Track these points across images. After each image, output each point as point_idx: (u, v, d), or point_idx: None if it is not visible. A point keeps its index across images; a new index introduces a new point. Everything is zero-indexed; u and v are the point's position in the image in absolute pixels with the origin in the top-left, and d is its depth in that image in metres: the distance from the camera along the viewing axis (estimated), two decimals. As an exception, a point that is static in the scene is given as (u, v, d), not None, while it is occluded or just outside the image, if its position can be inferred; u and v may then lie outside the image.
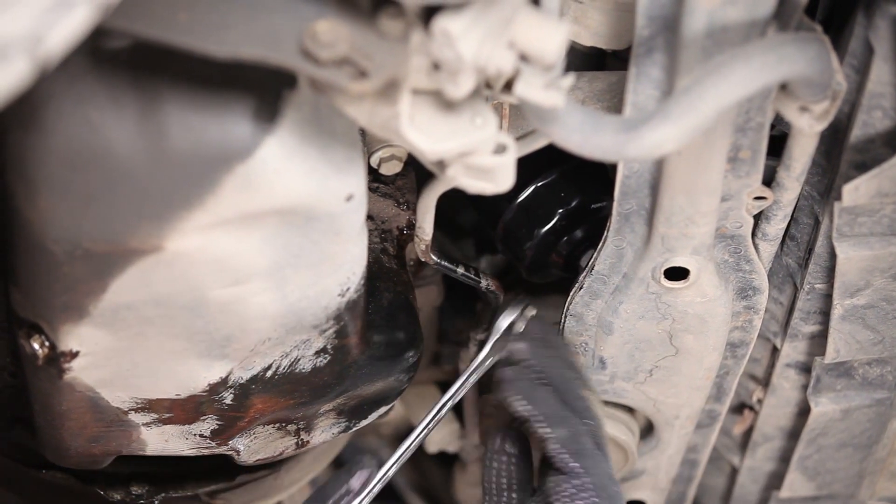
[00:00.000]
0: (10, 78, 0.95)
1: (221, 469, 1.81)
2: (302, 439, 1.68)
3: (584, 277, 1.62)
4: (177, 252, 1.35)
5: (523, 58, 1.22)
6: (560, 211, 1.73)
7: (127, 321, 1.43)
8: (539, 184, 1.72)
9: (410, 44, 1.20)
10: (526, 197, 1.73)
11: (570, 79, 1.24)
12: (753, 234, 1.60)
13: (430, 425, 1.67)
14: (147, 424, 1.59)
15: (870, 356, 1.76)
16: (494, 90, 1.28)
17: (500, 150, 1.28)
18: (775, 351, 1.84)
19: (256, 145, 1.29)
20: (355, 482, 1.56)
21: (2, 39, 0.94)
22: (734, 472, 2.07)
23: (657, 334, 1.67)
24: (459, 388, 1.70)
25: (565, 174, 1.72)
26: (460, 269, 1.74)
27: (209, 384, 1.54)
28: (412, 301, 1.70)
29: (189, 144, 1.28)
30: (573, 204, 1.73)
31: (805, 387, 1.84)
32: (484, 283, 1.77)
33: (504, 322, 1.72)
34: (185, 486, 1.81)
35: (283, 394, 1.59)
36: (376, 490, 1.59)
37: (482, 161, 1.27)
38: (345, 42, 1.18)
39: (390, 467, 1.62)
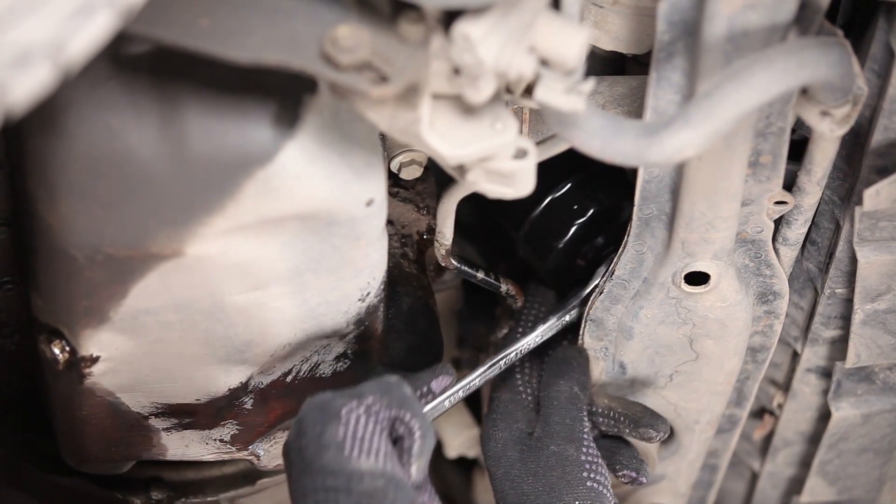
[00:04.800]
0: (32, 84, 0.96)
1: (242, 474, 1.81)
2: (322, 444, 1.68)
3: (605, 282, 1.62)
4: (197, 257, 1.35)
5: (544, 62, 1.21)
6: (579, 222, 1.73)
7: (147, 326, 1.43)
8: (557, 193, 1.72)
9: (431, 48, 1.20)
10: (554, 199, 1.73)
11: (590, 83, 1.23)
12: (774, 239, 1.60)
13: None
14: (167, 429, 1.60)
15: (891, 361, 1.75)
16: (515, 95, 1.28)
17: (521, 154, 1.28)
18: (796, 356, 1.83)
19: (277, 150, 1.29)
20: (436, 385, 1.55)
21: (24, 46, 0.95)
22: (754, 478, 2.06)
23: (677, 339, 1.67)
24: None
25: (591, 177, 1.72)
26: (480, 274, 1.73)
27: (229, 389, 1.54)
28: (432, 306, 1.70)
29: (210, 150, 1.28)
30: (593, 211, 1.73)
31: (825, 392, 1.84)
32: (504, 287, 1.77)
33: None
34: (205, 491, 1.81)
35: (304, 399, 1.59)
36: (454, 399, 1.60)
37: (503, 166, 1.27)
38: (365, 47, 1.18)
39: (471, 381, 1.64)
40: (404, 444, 1.39)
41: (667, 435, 1.70)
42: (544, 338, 1.69)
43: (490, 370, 1.65)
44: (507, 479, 1.62)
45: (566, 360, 1.67)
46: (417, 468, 1.39)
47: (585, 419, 1.64)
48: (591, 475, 1.60)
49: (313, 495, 1.33)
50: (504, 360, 1.67)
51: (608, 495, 1.60)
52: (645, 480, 1.69)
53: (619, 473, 1.68)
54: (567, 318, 1.70)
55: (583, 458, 1.61)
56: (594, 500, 1.59)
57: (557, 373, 1.66)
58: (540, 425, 1.64)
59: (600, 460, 1.63)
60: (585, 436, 1.63)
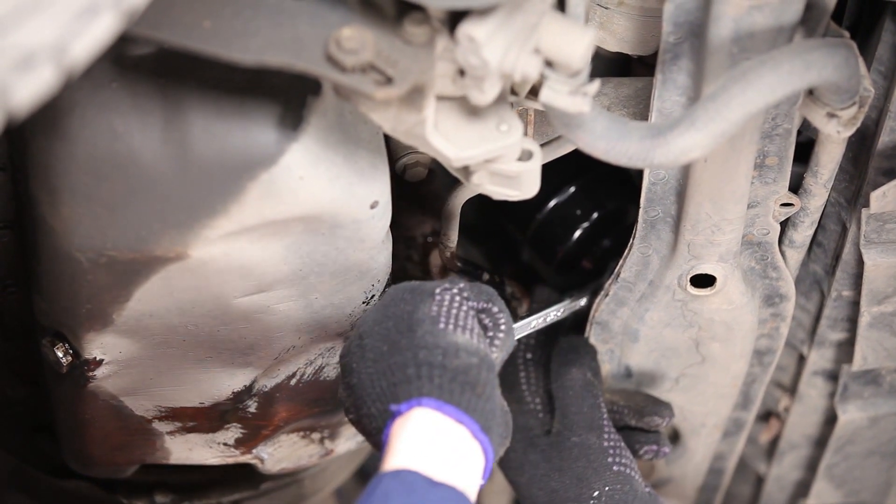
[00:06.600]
0: (36, 86, 0.95)
1: (245, 478, 1.81)
2: (326, 448, 1.68)
3: (610, 285, 1.62)
4: (201, 260, 1.34)
5: (549, 64, 1.21)
6: (593, 217, 1.72)
7: (150, 329, 1.42)
8: (576, 186, 1.72)
9: (435, 50, 1.20)
10: (566, 196, 1.73)
11: (595, 85, 1.23)
12: (780, 241, 1.59)
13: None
14: (171, 433, 1.59)
15: (897, 364, 1.75)
16: (520, 96, 1.28)
17: (526, 156, 1.27)
18: (802, 359, 1.83)
19: (281, 152, 1.29)
20: None
21: (28, 48, 0.94)
22: (760, 481, 2.06)
23: (683, 342, 1.66)
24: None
25: (596, 179, 1.72)
26: (485, 276, 1.73)
27: (233, 392, 1.54)
28: (436, 308, 1.69)
29: (213, 152, 1.28)
30: (606, 210, 1.73)
31: (832, 395, 1.83)
32: (508, 289, 1.76)
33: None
34: (209, 495, 1.80)
35: (308, 402, 1.59)
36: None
37: (508, 167, 1.27)
38: (369, 48, 1.18)
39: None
40: (488, 333, 1.38)
41: (672, 419, 1.69)
42: (565, 314, 1.69)
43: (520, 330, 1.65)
44: (533, 482, 1.61)
45: (574, 349, 1.66)
46: (497, 360, 1.38)
47: (602, 405, 1.63)
48: (617, 459, 1.60)
49: (401, 372, 1.29)
50: (534, 323, 1.66)
51: (636, 477, 1.60)
52: (668, 450, 1.69)
53: (641, 452, 1.67)
54: (582, 302, 1.69)
55: (605, 444, 1.60)
56: (623, 483, 1.58)
57: (567, 361, 1.65)
58: (557, 418, 1.62)
59: (623, 444, 1.62)
60: (605, 422, 1.62)
